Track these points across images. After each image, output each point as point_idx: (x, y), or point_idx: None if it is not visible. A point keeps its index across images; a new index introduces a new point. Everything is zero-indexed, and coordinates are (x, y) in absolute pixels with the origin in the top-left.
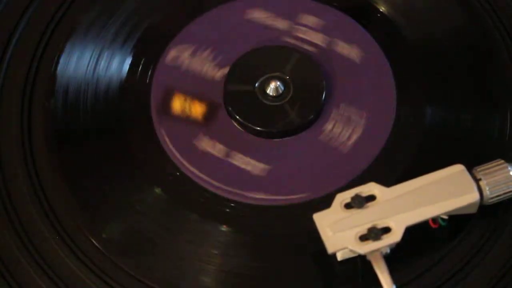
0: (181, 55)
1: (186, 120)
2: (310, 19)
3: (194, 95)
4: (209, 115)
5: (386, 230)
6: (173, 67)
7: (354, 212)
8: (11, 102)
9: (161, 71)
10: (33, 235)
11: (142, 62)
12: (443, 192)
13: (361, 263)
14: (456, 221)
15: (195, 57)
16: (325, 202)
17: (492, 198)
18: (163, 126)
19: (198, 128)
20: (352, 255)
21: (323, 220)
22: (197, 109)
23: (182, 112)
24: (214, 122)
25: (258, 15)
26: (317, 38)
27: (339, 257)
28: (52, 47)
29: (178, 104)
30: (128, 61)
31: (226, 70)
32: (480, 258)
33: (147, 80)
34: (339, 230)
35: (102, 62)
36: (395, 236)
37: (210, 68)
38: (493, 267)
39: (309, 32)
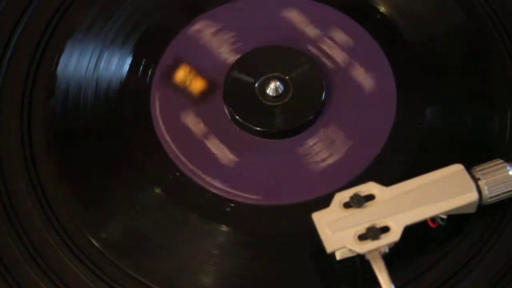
0: (204, 30)
1: (182, 91)
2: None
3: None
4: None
5: (385, 229)
6: (192, 38)
7: (353, 211)
8: (11, 102)
9: (180, 39)
10: (33, 235)
11: (142, 62)
12: (442, 192)
13: (360, 263)
14: (455, 221)
15: (216, 37)
16: (324, 202)
17: (491, 197)
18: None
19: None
20: (351, 254)
21: (322, 219)
22: (197, 85)
23: (182, 83)
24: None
25: (293, 15)
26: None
27: (338, 256)
28: (52, 47)
29: (182, 74)
30: (128, 61)
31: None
32: (480, 258)
33: (147, 80)
34: (338, 230)
35: (102, 62)
36: (394, 236)
37: (226, 51)
38: (493, 267)
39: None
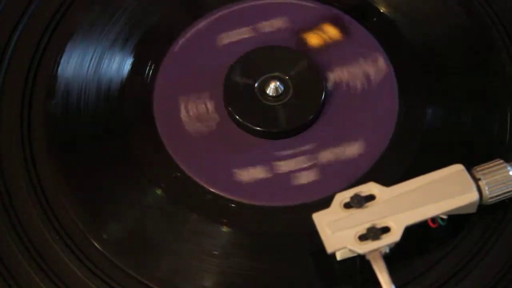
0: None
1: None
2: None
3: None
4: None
5: (386, 229)
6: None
7: (354, 211)
8: (11, 102)
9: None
10: (33, 235)
11: (143, 63)
12: (443, 192)
13: (360, 263)
14: (456, 221)
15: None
16: (325, 203)
17: (491, 198)
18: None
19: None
20: (351, 254)
21: (322, 219)
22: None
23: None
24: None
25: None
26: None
27: (339, 256)
28: (52, 48)
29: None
30: (129, 61)
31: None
32: (480, 258)
33: (148, 80)
34: (338, 230)
35: (103, 62)
36: (394, 236)
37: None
38: (493, 267)
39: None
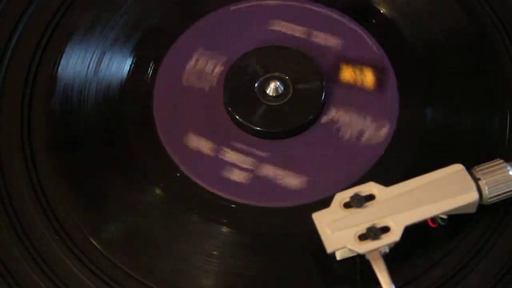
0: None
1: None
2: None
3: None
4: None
5: (385, 229)
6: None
7: (353, 211)
8: (11, 102)
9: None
10: (33, 235)
11: (142, 63)
12: (442, 192)
13: (360, 263)
14: (456, 221)
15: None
16: (325, 203)
17: (491, 197)
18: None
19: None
20: (351, 254)
21: (322, 219)
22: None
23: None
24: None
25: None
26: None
27: (338, 256)
28: (52, 48)
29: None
30: (129, 61)
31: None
32: (480, 258)
33: (148, 81)
34: (338, 229)
35: (103, 63)
36: (394, 236)
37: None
38: (493, 267)
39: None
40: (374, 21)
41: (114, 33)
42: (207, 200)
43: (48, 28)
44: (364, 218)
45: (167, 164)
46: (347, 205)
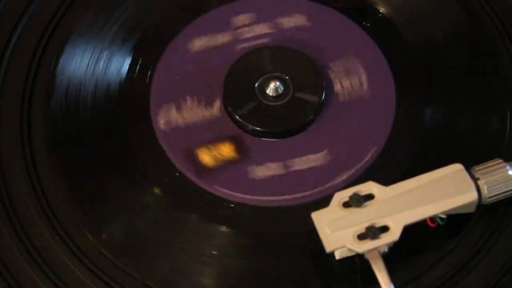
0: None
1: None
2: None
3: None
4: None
5: (384, 229)
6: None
7: (352, 211)
8: (11, 102)
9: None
10: (33, 235)
11: (141, 63)
12: (442, 191)
13: (359, 262)
14: (455, 221)
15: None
16: (324, 202)
17: (490, 197)
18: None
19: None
20: (350, 254)
21: (321, 218)
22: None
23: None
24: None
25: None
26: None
27: (337, 256)
28: (51, 48)
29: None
30: (128, 61)
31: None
32: (479, 258)
33: (147, 80)
34: (337, 229)
35: (102, 62)
36: (393, 235)
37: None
38: (493, 267)
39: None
40: (373, 20)
41: (113, 33)
42: (207, 200)
43: (48, 28)
44: (363, 217)
45: (167, 164)
46: (346, 205)
